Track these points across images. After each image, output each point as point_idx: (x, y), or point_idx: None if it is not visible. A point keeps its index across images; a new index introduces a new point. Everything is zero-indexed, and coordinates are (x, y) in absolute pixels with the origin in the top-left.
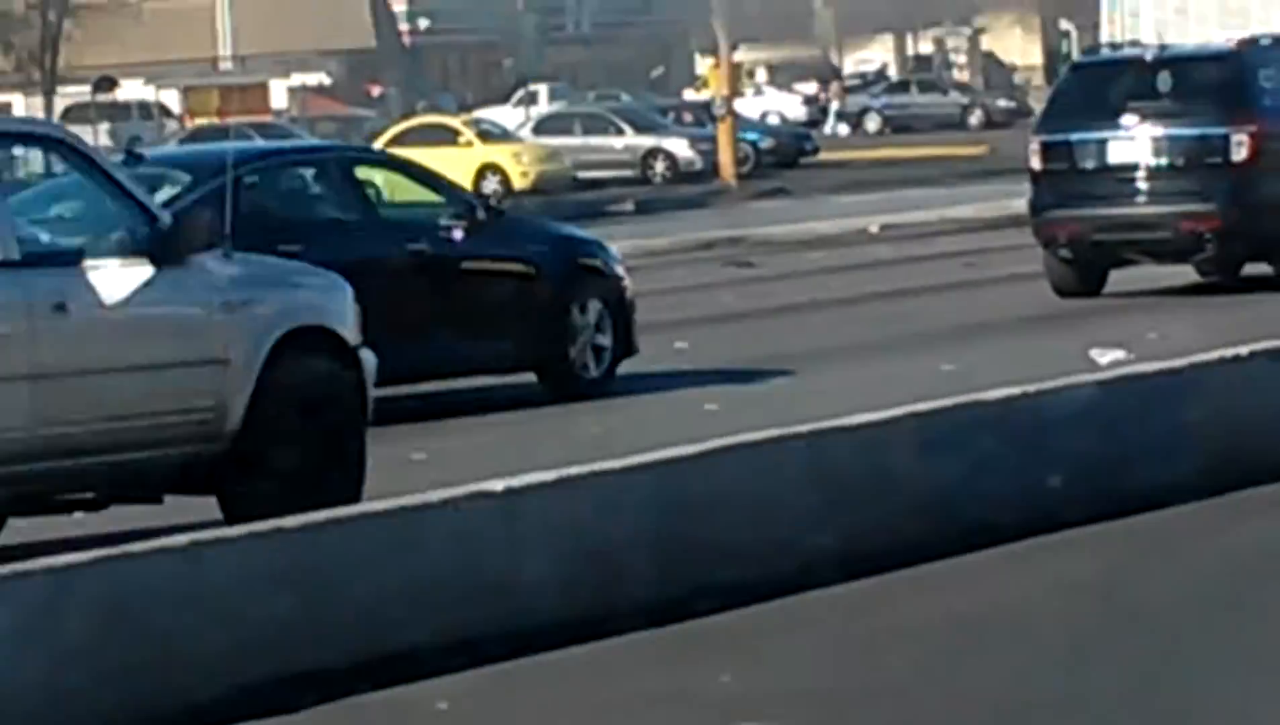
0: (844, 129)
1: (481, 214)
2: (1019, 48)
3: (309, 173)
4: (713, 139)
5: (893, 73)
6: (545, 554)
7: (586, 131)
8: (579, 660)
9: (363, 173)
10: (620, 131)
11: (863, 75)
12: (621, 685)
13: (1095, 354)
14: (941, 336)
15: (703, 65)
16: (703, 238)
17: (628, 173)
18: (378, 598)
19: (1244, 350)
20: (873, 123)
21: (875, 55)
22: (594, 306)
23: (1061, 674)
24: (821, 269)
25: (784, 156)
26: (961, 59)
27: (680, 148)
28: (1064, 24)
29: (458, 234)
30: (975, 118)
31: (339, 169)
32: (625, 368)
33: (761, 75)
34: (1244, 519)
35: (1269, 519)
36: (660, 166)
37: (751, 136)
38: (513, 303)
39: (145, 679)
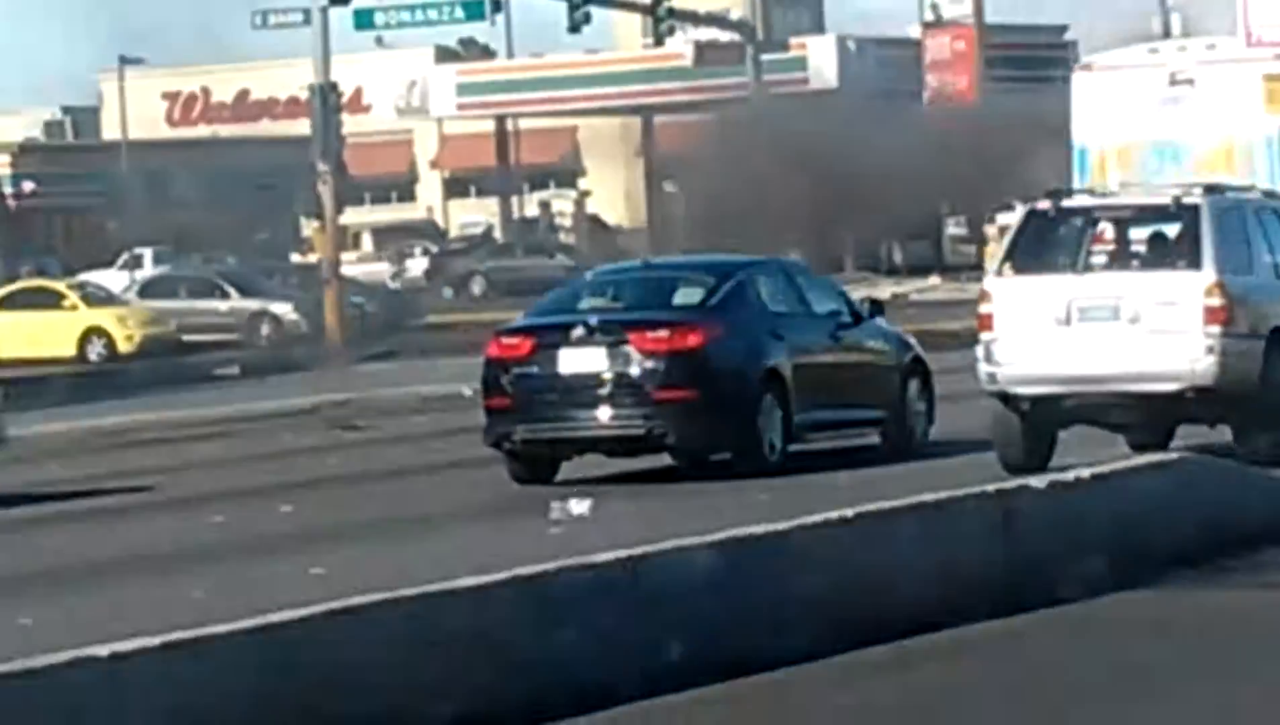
0: (448, 291)
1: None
2: (622, 210)
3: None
4: (319, 301)
5: (499, 235)
6: (153, 721)
7: (192, 294)
8: None
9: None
10: (226, 295)
11: (468, 237)
12: None
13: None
14: (542, 495)
15: (308, 228)
16: (309, 401)
17: (234, 336)
18: None
19: (849, 513)
20: (477, 286)
21: (480, 217)
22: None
23: None
24: (428, 432)
25: (392, 319)
26: (567, 221)
27: (286, 310)
28: (668, 186)
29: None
30: None
31: (786, 276)
32: (218, 534)
33: (367, 239)
34: (854, 681)
35: (877, 680)
36: (266, 329)
37: (358, 299)
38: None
39: None
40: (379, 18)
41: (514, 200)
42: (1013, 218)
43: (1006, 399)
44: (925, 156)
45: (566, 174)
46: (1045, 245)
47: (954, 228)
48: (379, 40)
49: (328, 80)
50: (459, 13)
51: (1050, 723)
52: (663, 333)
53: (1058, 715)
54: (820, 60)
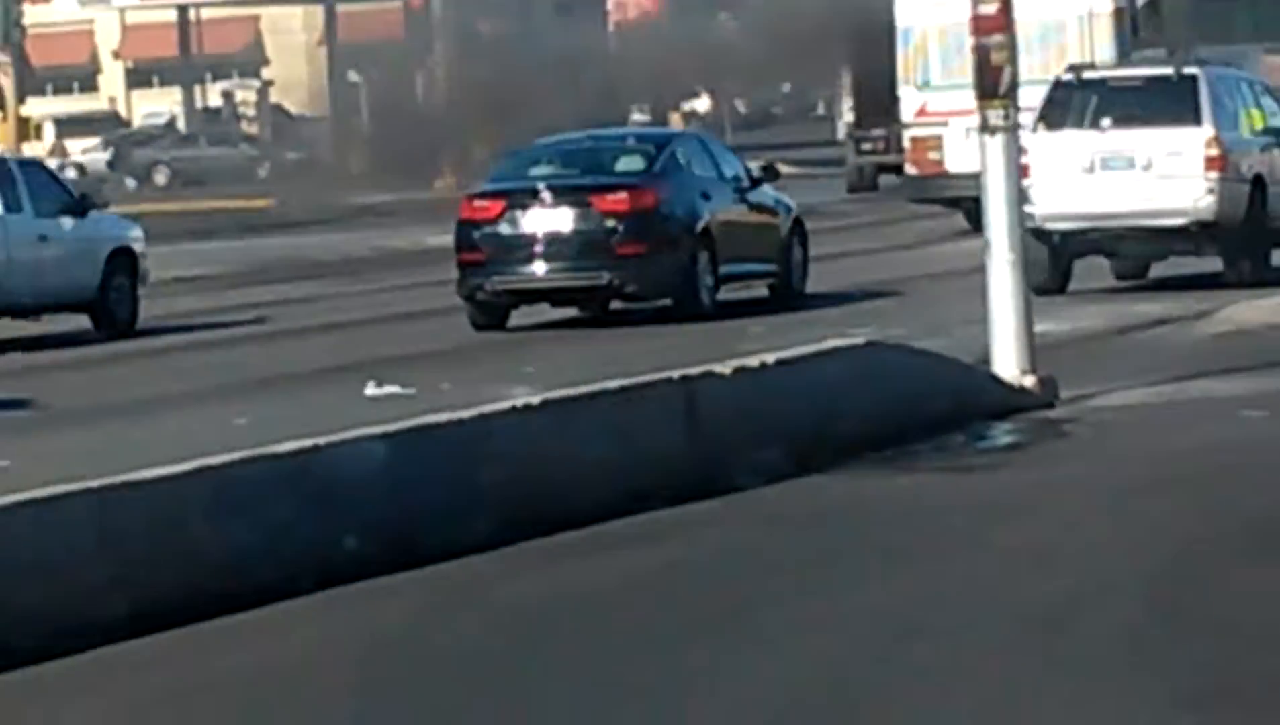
0: (131, 182)
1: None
2: (306, 100)
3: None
4: None
5: (182, 125)
6: None
7: None
8: None
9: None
10: None
11: (151, 128)
12: None
13: (370, 389)
14: (236, 389)
15: None
16: None
17: None
18: None
19: (535, 399)
20: (161, 176)
21: (163, 107)
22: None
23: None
24: None
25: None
26: (251, 111)
27: None
28: (352, 75)
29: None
30: (265, 170)
31: (702, 144)
32: None
33: (50, 129)
34: (535, 568)
35: (557, 568)
36: None
37: None
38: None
39: None
40: None
41: (197, 90)
42: (699, 104)
43: (1039, 233)
44: (610, 45)
45: (250, 63)
46: (1070, 109)
47: (638, 115)
48: None
49: None
50: None
51: (713, 609)
52: (622, 195)
53: (723, 601)
54: None
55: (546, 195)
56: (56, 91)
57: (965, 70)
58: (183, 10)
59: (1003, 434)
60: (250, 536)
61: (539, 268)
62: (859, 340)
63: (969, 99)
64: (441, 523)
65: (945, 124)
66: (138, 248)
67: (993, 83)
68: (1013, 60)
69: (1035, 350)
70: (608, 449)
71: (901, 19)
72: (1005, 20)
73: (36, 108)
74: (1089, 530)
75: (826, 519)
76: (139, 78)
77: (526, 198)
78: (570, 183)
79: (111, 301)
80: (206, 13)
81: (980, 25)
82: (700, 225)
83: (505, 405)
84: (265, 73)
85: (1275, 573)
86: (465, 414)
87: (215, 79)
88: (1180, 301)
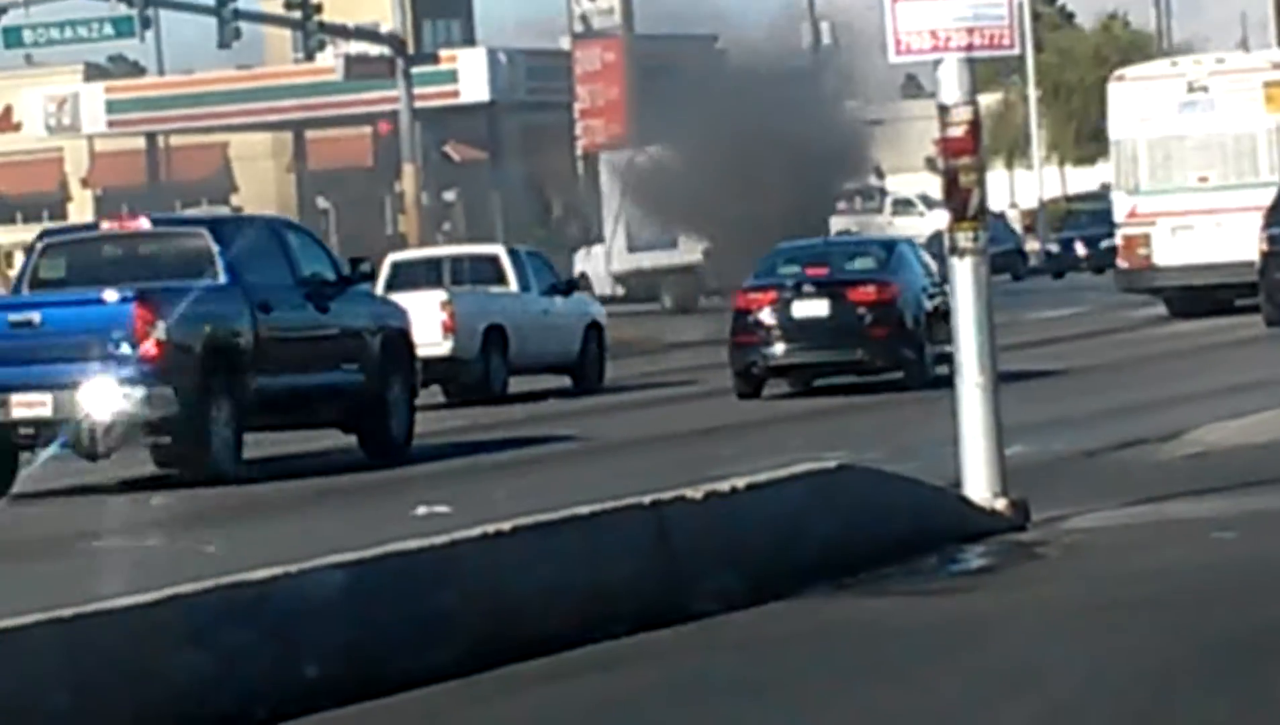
0: None
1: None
2: None
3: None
4: None
5: None
6: None
7: None
8: None
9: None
10: None
11: None
12: None
13: (421, 509)
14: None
15: None
16: None
17: None
18: None
19: (506, 525)
20: None
21: None
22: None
23: None
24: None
25: None
26: None
27: None
28: (320, 201)
29: None
30: None
31: (912, 246)
32: None
33: (20, 257)
34: (498, 696)
35: (521, 696)
36: None
37: None
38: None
39: None
40: (27, 35)
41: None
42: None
43: None
44: (578, 169)
45: (218, 190)
46: None
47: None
48: (28, 58)
49: None
50: (108, 29)
51: None
52: (870, 288)
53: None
54: (471, 72)
55: (809, 288)
56: (26, 220)
57: (1171, 177)
58: (151, 137)
59: (974, 557)
60: (206, 665)
61: (804, 346)
62: (830, 464)
63: (1175, 202)
64: (400, 650)
65: (1153, 223)
66: (604, 322)
67: (961, 205)
68: (981, 182)
69: (1006, 473)
70: (576, 575)
71: (1114, 132)
72: (973, 143)
73: (7, 236)
74: (1061, 651)
75: (794, 642)
76: (108, 205)
77: (791, 291)
78: (829, 279)
79: (587, 365)
80: (175, 140)
81: (949, 147)
82: (925, 311)
83: (475, 531)
84: (234, 199)
85: (1246, 693)
86: (435, 540)
87: (184, 205)
88: None
